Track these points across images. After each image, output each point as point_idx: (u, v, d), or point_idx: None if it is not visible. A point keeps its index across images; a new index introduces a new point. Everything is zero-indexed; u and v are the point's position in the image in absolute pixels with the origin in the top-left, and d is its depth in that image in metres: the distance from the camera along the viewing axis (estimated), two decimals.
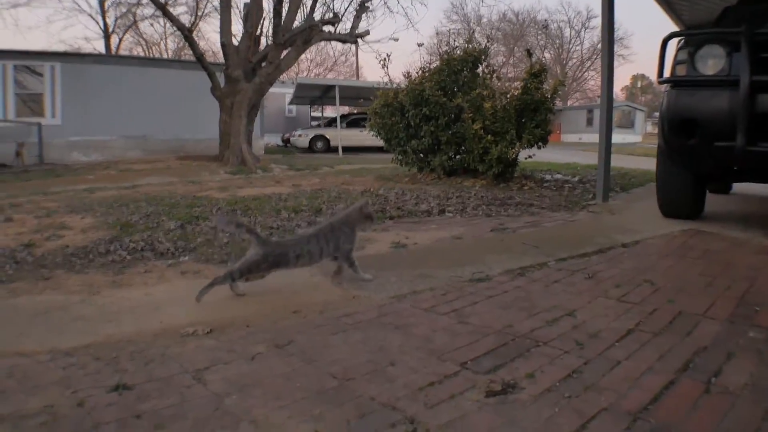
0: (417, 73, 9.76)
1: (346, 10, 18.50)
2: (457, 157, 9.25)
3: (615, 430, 1.83)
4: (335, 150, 24.13)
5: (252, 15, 15.58)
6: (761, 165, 4.56)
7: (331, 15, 16.96)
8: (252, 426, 1.81)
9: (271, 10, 15.68)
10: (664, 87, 5.02)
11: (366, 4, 17.40)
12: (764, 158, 4.36)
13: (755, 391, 2.14)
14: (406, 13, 53.29)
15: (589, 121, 40.25)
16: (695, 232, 4.88)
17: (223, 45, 15.19)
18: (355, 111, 29.52)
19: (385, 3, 31.44)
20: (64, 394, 1.99)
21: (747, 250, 4.33)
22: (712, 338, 2.58)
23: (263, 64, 15.63)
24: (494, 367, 2.25)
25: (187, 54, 35.14)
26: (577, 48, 60.49)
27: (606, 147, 6.61)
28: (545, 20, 59.93)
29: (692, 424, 1.89)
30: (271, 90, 18.29)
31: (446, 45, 9.72)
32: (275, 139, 30.42)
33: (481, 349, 2.41)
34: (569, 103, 56.25)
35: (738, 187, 8.07)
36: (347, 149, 23.82)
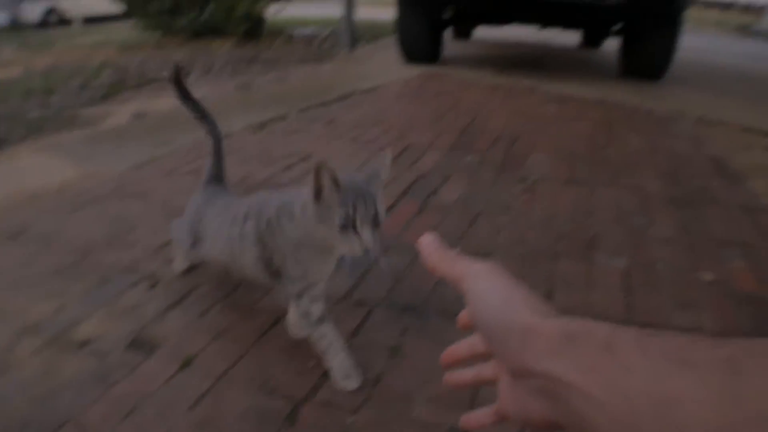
0: None
1: None
2: (204, 17, 8.82)
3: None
4: (73, 22, 21.87)
5: None
6: (488, 8, 4.91)
7: None
8: None
9: None
10: None
11: None
12: (489, 2, 4.70)
13: (465, 204, 2.47)
14: None
15: None
16: (431, 75, 5.22)
17: None
18: None
19: None
20: None
21: (475, 89, 4.74)
22: (433, 166, 2.87)
23: None
24: None
25: None
26: None
27: None
28: None
29: (407, 235, 2.15)
30: None
31: None
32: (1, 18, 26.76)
33: None
34: None
35: (478, 33, 8.61)
36: (91, 20, 21.69)
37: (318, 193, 1.21)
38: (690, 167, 3.10)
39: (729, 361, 0.31)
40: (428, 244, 0.59)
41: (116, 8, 10.97)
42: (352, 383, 1.43)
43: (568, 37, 8.33)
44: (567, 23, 5.88)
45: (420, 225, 2.25)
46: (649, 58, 5.40)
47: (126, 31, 12.22)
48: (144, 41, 9.23)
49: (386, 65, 5.76)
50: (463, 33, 8.50)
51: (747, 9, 23.03)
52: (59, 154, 3.32)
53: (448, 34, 6.98)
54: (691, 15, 8.12)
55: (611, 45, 5.96)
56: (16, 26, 22.79)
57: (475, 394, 1.42)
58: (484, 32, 8.57)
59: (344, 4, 6.72)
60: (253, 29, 8.29)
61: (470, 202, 2.49)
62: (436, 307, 1.76)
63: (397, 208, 2.39)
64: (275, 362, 1.51)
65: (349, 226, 1.20)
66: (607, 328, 0.40)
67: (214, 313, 1.71)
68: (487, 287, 0.51)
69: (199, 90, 4.68)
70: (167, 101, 4.52)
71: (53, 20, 22.86)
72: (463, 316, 0.62)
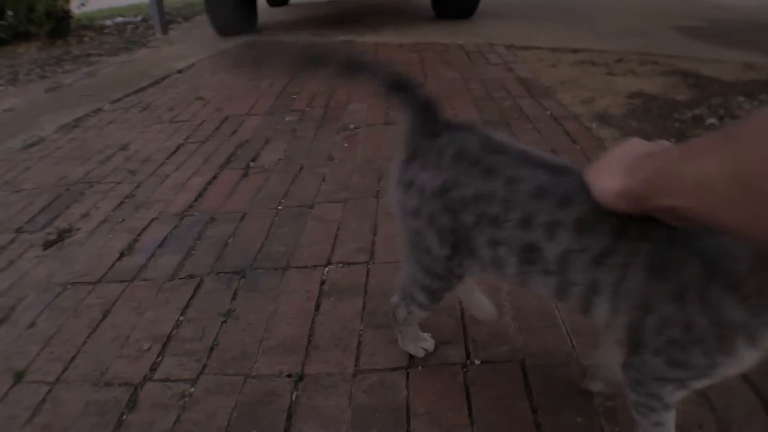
0: None
1: None
2: (3, 22, 8.18)
3: (164, 231, 1.99)
4: None
5: None
6: None
7: None
8: None
9: None
10: None
11: None
12: None
13: (287, 162, 2.48)
14: None
15: None
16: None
17: None
18: None
19: None
20: None
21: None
22: (253, 131, 2.85)
23: None
24: (49, 221, 2.20)
25: None
26: None
27: None
28: None
29: (232, 203, 2.14)
30: None
31: None
32: None
33: (35, 210, 2.32)
34: None
35: None
36: None
37: None
38: (502, 91, 3.25)
39: (725, 135, 0.57)
40: None
41: None
42: None
43: None
44: None
45: (243, 192, 2.24)
46: None
47: None
48: None
49: (201, 42, 5.56)
50: (281, 1, 8.34)
51: None
52: None
53: (262, 2, 6.87)
54: None
55: None
56: None
57: (310, 339, 1.45)
58: None
59: None
60: (59, 27, 7.78)
61: (292, 159, 2.50)
62: (264, 266, 1.77)
63: (219, 179, 2.36)
64: (109, 354, 1.47)
65: None
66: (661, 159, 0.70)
67: (43, 321, 1.63)
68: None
69: (7, 101, 4.36)
70: None
71: None
72: None
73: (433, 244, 1.05)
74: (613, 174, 0.77)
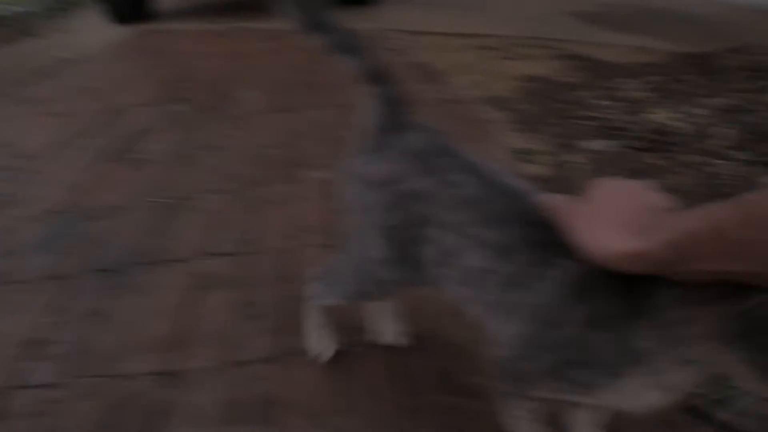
0: None
1: None
2: None
3: (39, 229, 1.93)
4: None
5: None
6: None
7: None
8: None
9: None
10: None
11: None
12: None
13: (174, 152, 2.48)
14: None
15: None
16: (143, 32, 4.94)
17: None
18: None
19: None
20: None
21: (189, 38, 4.58)
22: (139, 122, 2.77)
23: None
24: None
25: None
26: None
27: None
28: None
29: (110, 198, 2.10)
30: None
31: None
32: None
33: None
34: None
35: None
36: None
37: None
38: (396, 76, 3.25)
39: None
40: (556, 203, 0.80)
41: None
42: None
43: None
44: None
45: (123, 185, 2.18)
46: None
47: None
48: None
49: (95, 31, 5.33)
50: None
51: None
52: None
53: None
54: None
55: None
56: None
57: (182, 334, 1.42)
58: None
59: None
60: None
61: (180, 149, 2.45)
62: (139, 261, 1.73)
63: (100, 173, 2.29)
64: None
65: None
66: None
67: None
68: None
69: None
70: None
71: None
72: None
73: (373, 242, 1.04)
74: (616, 232, 0.69)
